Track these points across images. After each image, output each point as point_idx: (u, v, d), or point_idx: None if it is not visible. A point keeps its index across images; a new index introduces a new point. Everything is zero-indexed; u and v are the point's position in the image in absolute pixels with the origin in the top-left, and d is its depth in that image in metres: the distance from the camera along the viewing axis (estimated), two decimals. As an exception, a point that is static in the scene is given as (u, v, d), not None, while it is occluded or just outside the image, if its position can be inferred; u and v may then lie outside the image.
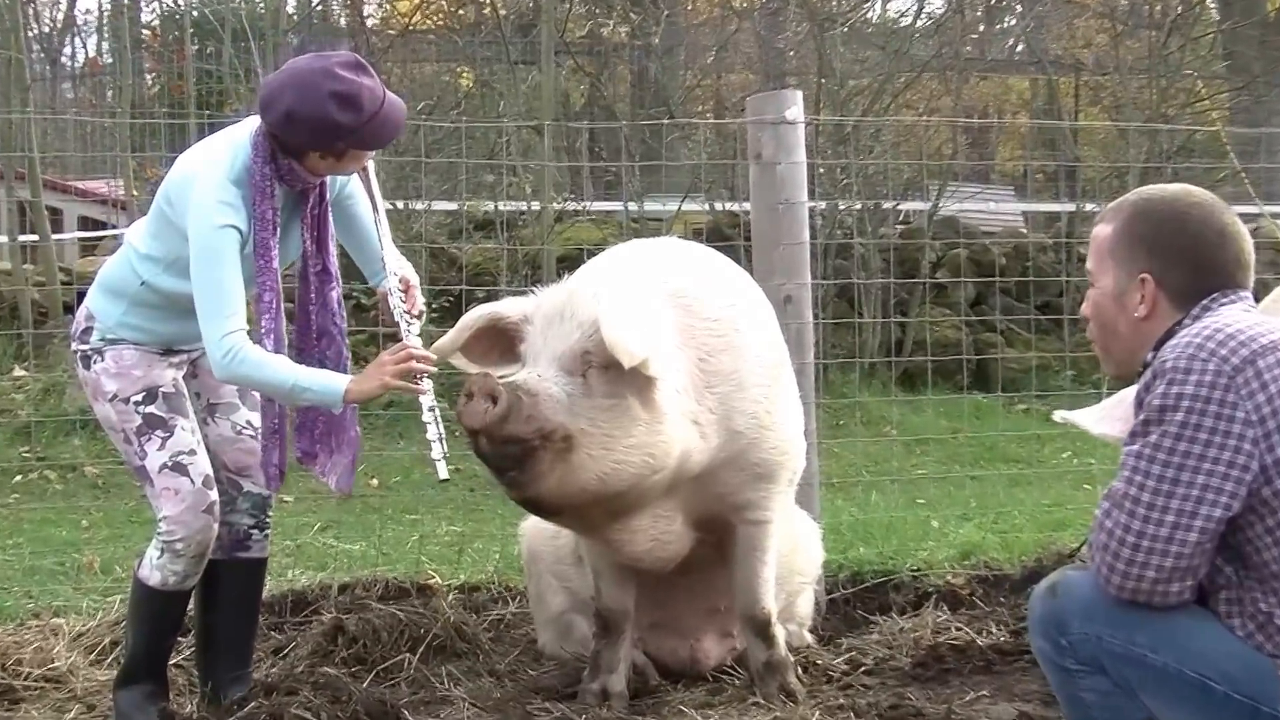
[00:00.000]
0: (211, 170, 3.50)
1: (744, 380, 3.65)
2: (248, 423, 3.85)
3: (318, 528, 6.50)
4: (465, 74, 14.75)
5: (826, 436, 8.08)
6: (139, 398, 3.68)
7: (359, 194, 3.80)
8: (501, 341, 3.64)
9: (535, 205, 11.22)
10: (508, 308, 3.64)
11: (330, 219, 3.73)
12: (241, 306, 3.46)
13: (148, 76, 15.23)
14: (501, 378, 3.36)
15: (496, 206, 11.20)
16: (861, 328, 11.13)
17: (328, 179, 3.70)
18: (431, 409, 3.44)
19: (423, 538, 5.88)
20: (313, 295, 3.74)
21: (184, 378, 3.80)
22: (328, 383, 3.48)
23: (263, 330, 3.58)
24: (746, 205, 7.40)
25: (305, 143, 3.51)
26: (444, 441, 3.38)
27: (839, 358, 10.49)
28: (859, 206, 11.47)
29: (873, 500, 6.95)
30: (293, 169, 3.57)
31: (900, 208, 13.06)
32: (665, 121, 11.21)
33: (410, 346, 3.50)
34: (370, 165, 3.71)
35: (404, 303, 3.63)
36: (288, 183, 3.60)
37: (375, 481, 8.02)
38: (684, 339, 3.58)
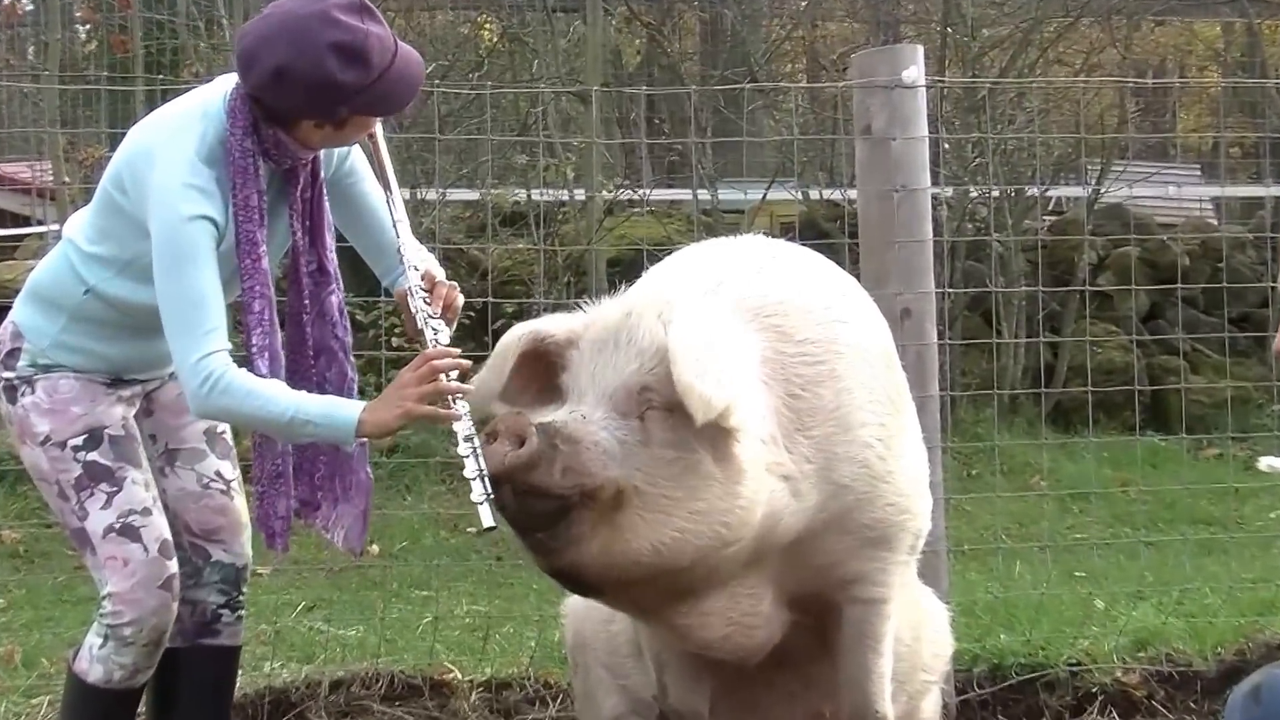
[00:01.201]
0: (176, 146, 3.51)
1: (849, 419, 3.62)
2: (217, 474, 3.89)
3: (303, 607, 6.53)
4: (488, 25, 14.80)
5: (956, 490, 8.04)
6: (78, 441, 3.71)
7: (363, 170, 3.81)
8: (541, 371, 3.63)
9: (579, 194, 11.25)
10: (553, 325, 3.65)
11: (326, 204, 3.74)
12: (222, 320, 3.46)
13: (81, 29, 15.34)
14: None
15: (529, 195, 11.25)
16: (1001, 350, 11.09)
17: (322, 153, 3.71)
18: (469, 439, 3.38)
19: (437, 620, 5.89)
20: (306, 302, 3.76)
21: (136, 416, 3.83)
22: (336, 412, 3.46)
23: (254, 349, 3.59)
24: (851, 193, 7.40)
25: (298, 108, 3.51)
26: (487, 480, 3.31)
27: (972, 388, 10.44)
28: (996, 193, 11.44)
29: (1016, 573, 6.91)
30: (279, 142, 3.58)
31: (1050, 194, 13.02)
32: (745, 85, 11.22)
33: (432, 356, 3.46)
34: (379, 132, 3.71)
35: (429, 304, 3.60)
36: (273, 159, 3.61)
37: (376, 548, 8.06)
38: (772, 370, 3.56)
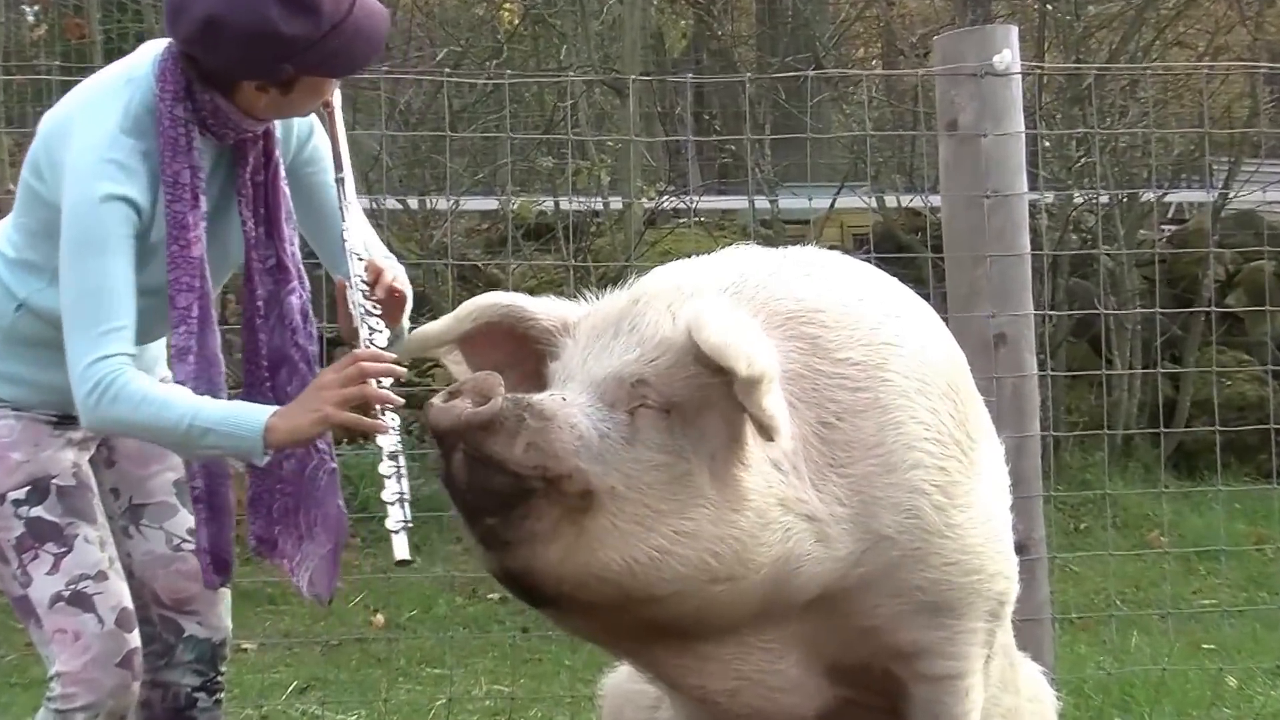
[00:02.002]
0: (96, 117, 3.51)
1: (895, 458, 3.58)
2: (190, 533, 3.86)
3: (294, 688, 6.54)
4: (509, 3, 14.86)
5: (1061, 548, 8.01)
6: (20, 494, 3.69)
7: (326, 156, 3.80)
8: (526, 357, 3.65)
9: (615, 202, 11.26)
10: (541, 306, 3.68)
11: (284, 190, 3.73)
12: (128, 319, 3.44)
13: (28, 10, 15.41)
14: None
15: (557, 204, 11.26)
16: (1112, 382, 11.05)
17: (277, 129, 3.70)
18: (393, 455, 3.41)
19: (452, 702, 5.90)
20: (261, 305, 3.74)
21: (95, 465, 3.83)
22: (240, 417, 3.43)
23: (173, 349, 3.58)
24: (935, 199, 7.37)
25: (234, 66, 3.49)
26: (407, 504, 3.34)
27: (1079, 428, 10.41)
28: (1106, 198, 11.41)
29: (1133, 645, 6.89)
30: (218, 109, 3.57)
31: (1169, 198, 12.97)
32: (809, 73, 11.19)
33: (363, 356, 3.46)
34: (337, 101, 3.70)
35: (369, 297, 3.59)
36: (214, 133, 3.60)
37: (380, 618, 8.06)
38: (801, 390, 3.54)
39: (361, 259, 3.63)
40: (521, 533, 3.29)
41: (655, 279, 3.67)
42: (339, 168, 3.72)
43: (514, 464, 3.25)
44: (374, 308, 3.59)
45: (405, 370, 3.55)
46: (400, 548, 3.34)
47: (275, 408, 3.46)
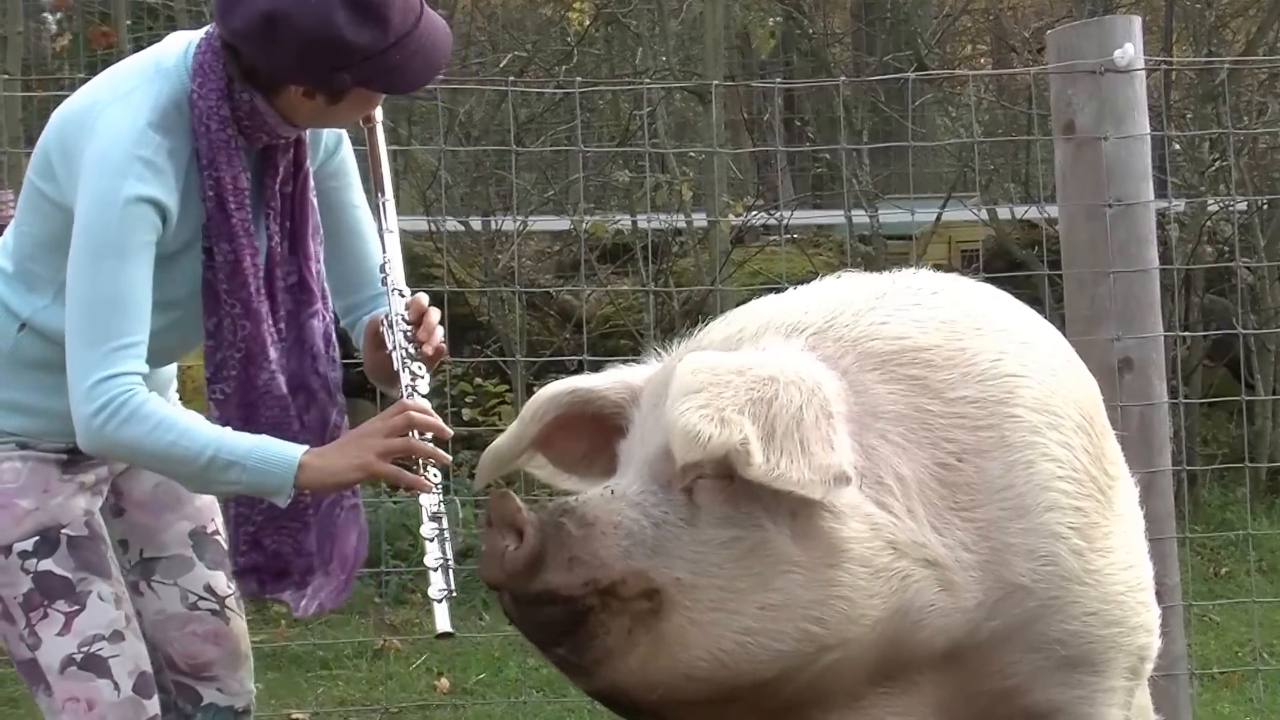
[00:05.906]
0: (122, 109, 3.51)
1: (1027, 500, 3.57)
2: (207, 589, 3.87)
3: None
4: (579, 3, 14.89)
5: (1200, 595, 7.96)
6: (28, 545, 3.68)
7: (355, 174, 3.83)
8: (610, 436, 3.65)
9: (699, 219, 11.26)
10: (605, 381, 3.69)
11: (312, 202, 3.73)
12: (143, 335, 3.45)
13: (50, 18, 15.50)
14: (560, 499, 3.38)
15: (635, 222, 11.27)
16: (1255, 410, 10.98)
17: (308, 138, 3.71)
18: (436, 517, 3.44)
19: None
20: (282, 326, 3.72)
21: (103, 512, 3.81)
22: (271, 451, 3.45)
23: (249, 368, 3.60)
24: (1051, 209, 7.35)
25: (286, 68, 3.50)
26: (450, 571, 3.38)
27: (1217, 461, 10.34)
28: (1243, 206, 11.35)
29: (1282, 703, 6.85)
30: (255, 111, 3.58)
31: (1315, 205, 12.89)
32: (911, 74, 11.20)
33: (412, 407, 3.49)
34: (378, 116, 3.73)
35: (410, 341, 3.60)
36: (245, 135, 3.60)
37: (445, 682, 8.07)
38: (910, 430, 3.54)
39: (404, 296, 3.65)
40: (595, 654, 3.31)
41: (717, 326, 3.68)
42: (380, 190, 3.74)
43: (563, 590, 3.27)
44: (416, 350, 3.61)
45: (450, 432, 3.58)
46: (441, 619, 3.38)
47: (306, 446, 3.49)
